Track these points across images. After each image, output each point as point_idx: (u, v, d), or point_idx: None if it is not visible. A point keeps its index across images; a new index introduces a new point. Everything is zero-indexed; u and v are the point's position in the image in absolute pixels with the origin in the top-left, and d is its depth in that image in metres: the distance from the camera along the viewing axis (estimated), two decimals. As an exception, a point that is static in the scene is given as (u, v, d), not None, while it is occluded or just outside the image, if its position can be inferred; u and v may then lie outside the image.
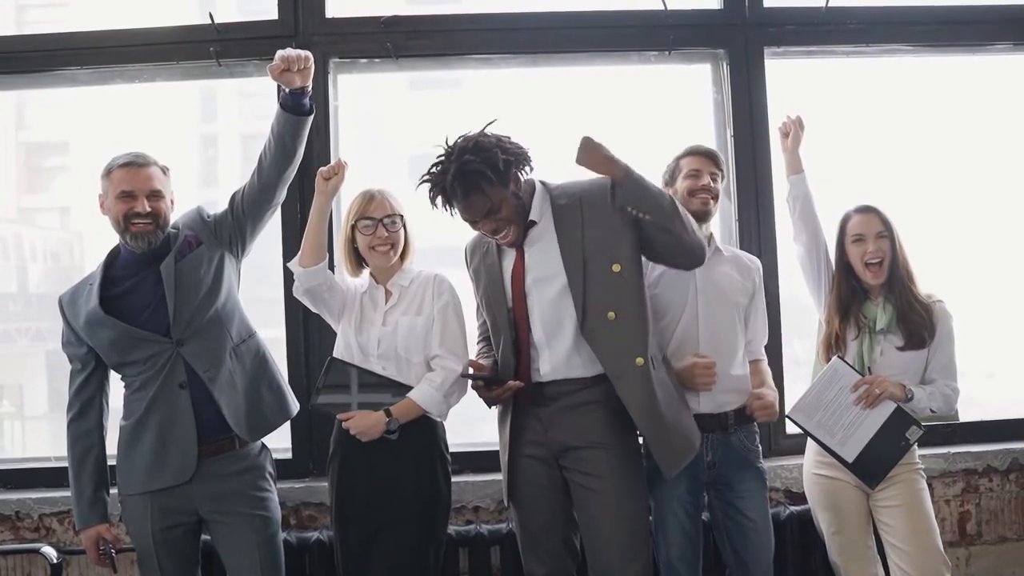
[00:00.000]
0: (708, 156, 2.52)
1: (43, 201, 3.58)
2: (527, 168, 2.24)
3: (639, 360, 2.18)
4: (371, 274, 2.46)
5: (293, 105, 2.28)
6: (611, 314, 2.19)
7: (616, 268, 2.21)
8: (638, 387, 2.17)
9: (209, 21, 2.87)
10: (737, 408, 2.43)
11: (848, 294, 2.54)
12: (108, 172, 2.30)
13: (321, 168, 2.38)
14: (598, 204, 2.23)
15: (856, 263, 2.52)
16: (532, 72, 3.12)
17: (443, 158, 2.20)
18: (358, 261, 2.45)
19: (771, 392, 2.48)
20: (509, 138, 2.22)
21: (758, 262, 2.60)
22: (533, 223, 2.27)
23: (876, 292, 2.53)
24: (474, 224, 2.24)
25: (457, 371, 2.31)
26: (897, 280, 2.50)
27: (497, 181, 2.16)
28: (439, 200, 2.22)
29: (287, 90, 2.28)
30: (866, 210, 2.55)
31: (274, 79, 2.26)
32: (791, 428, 2.85)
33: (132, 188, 2.27)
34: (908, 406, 2.43)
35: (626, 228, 2.21)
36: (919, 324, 2.46)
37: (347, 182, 2.42)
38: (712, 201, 2.49)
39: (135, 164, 2.28)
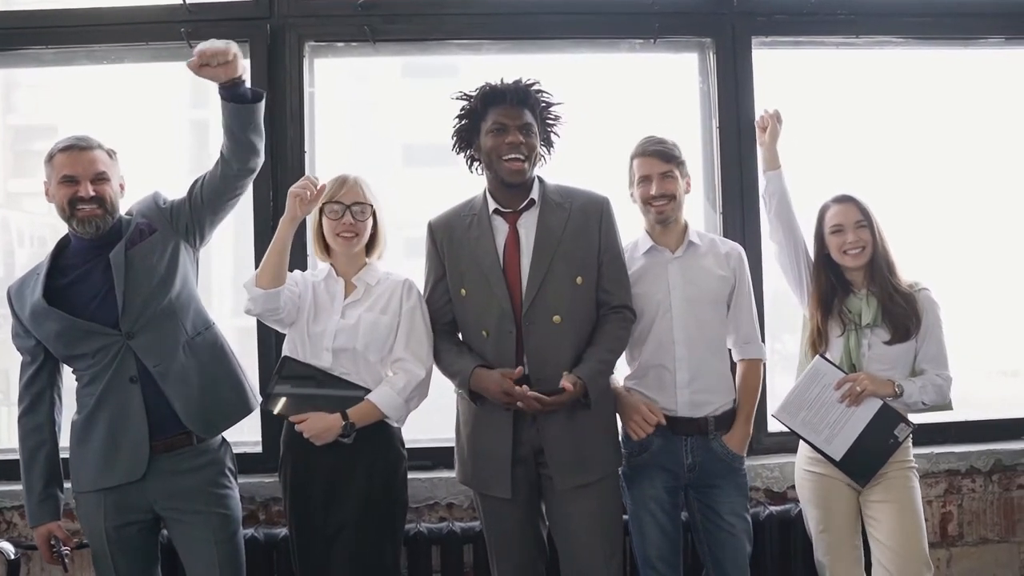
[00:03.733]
0: (655, 156, 2.38)
1: (30, 185, 3.49)
2: (551, 147, 2.31)
3: (565, 374, 2.17)
4: (331, 264, 2.38)
5: (231, 96, 2.12)
6: (557, 318, 2.19)
7: (579, 280, 2.22)
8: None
9: (180, 1, 2.78)
10: (719, 415, 2.38)
11: (828, 288, 2.48)
12: (50, 157, 2.20)
13: (292, 188, 2.21)
14: (586, 221, 2.25)
15: (836, 254, 2.46)
16: (517, 59, 3.04)
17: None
18: (326, 245, 2.36)
19: (739, 442, 2.39)
20: None
21: (738, 248, 2.50)
22: (533, 201, 2.25)
23: (859, 284, 2.47)
24: (500, 131, 2.19)
25: (420, 376, 2.25)
26: (878, 270, 2.43)
27: (541, 118, 2.25)
28: (477, 101, 2.22)
29: (218, 84, 2.12)
30: (844, 199, 2.48)
31: (195, 75, 2.07)
32: (773, 426, 2.82)
33: (74, 172, 2.17)
34: (899, 401, 2.38)
35: (596, 261, 2.25)
36: (902, 315, 2.40)
37: (338, 170, 2.35)
38: (668, 206, 2.37)
39: (77, 147, 2.18)
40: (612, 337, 2.25)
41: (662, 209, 2.37)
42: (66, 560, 2.27)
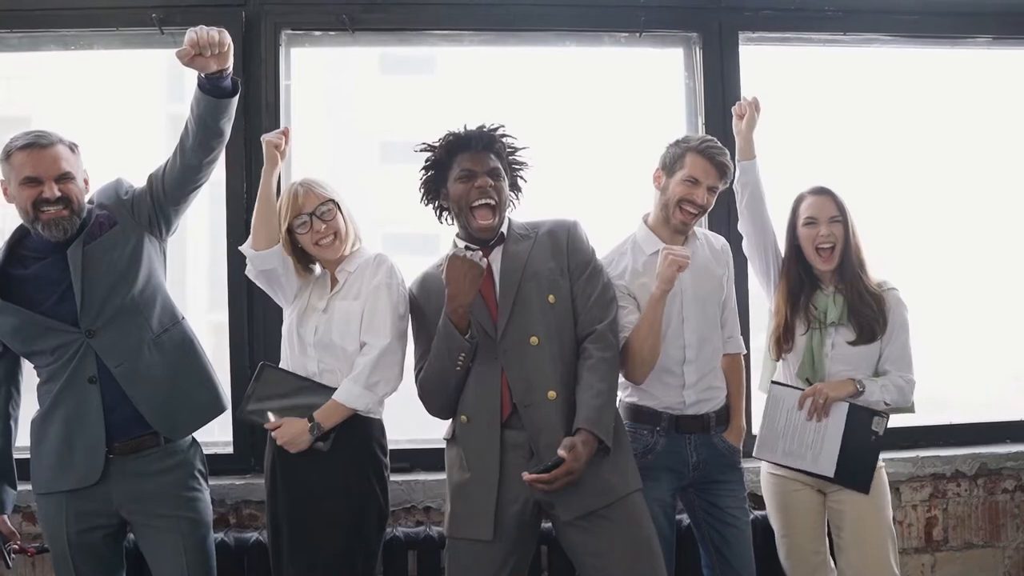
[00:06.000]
0: (718, 168, 2.26)
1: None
2: (519, 192, 2.24)
3: (551, 394, 2.07)
4: (319, 262, 2.32)
5: (212, 88, 2.03)
6: (534, 339, 2.09)
7: (551, 299, 2.12)
8: (546, 421, 2.06)
9: (151, -15, 2.70)
10: (718, 409, 2.35)
11: (797, 283, 2.43)
12: (7, 155, 2.07)
13: (267, 137, 2.23)
14: (553, 243, 2.17)
15: (807, 247, 2.41)
16: (502, 52, 3.00)
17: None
18: (306, 261, 2.30)
19: (736, 436, 2.38)
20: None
21: (725, 241, 2.48)
22: (503, 236, 2.17)
23: (827, 281, 2.43)
24: (468, 177, 2.10)
25: (376, 350, 2.15)
26: (848, 268, 2.39)
27: (507, 163, 2.18)
28: (442, 151, 2.13)
29: (203, 74, 2.02)
30: (820, 192, 2.43)
31: (185, 66, 1.97)
32: (754, 429, 2.77)
33: (36, 173, 2.05)
34: (861, 399, 2.35)
35: (568, 279, 2.15)
36: (869, 316, 2.36)
37: (319, 167, 2.27)
38: (695, 219, 2.30)
39: (37, 145, 2.06)
40: (599, 372, 2.09)
41: (688, 220, 2.29)
42: (8, 558, 2.17)
